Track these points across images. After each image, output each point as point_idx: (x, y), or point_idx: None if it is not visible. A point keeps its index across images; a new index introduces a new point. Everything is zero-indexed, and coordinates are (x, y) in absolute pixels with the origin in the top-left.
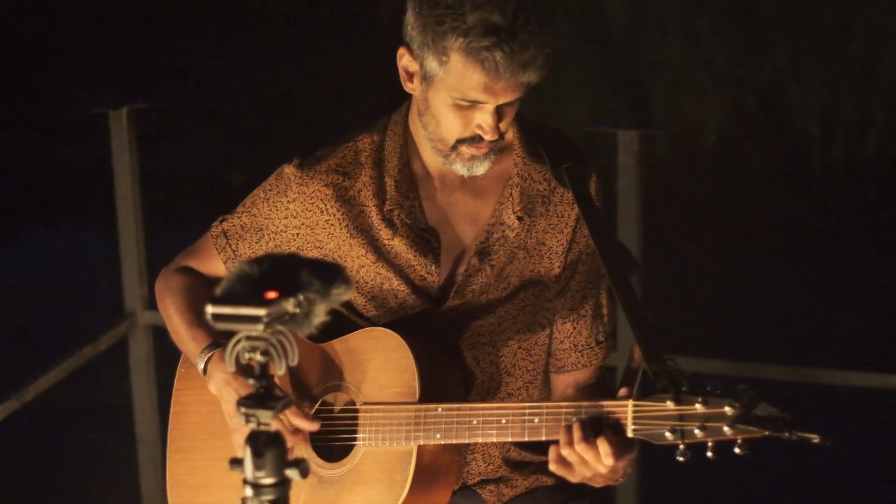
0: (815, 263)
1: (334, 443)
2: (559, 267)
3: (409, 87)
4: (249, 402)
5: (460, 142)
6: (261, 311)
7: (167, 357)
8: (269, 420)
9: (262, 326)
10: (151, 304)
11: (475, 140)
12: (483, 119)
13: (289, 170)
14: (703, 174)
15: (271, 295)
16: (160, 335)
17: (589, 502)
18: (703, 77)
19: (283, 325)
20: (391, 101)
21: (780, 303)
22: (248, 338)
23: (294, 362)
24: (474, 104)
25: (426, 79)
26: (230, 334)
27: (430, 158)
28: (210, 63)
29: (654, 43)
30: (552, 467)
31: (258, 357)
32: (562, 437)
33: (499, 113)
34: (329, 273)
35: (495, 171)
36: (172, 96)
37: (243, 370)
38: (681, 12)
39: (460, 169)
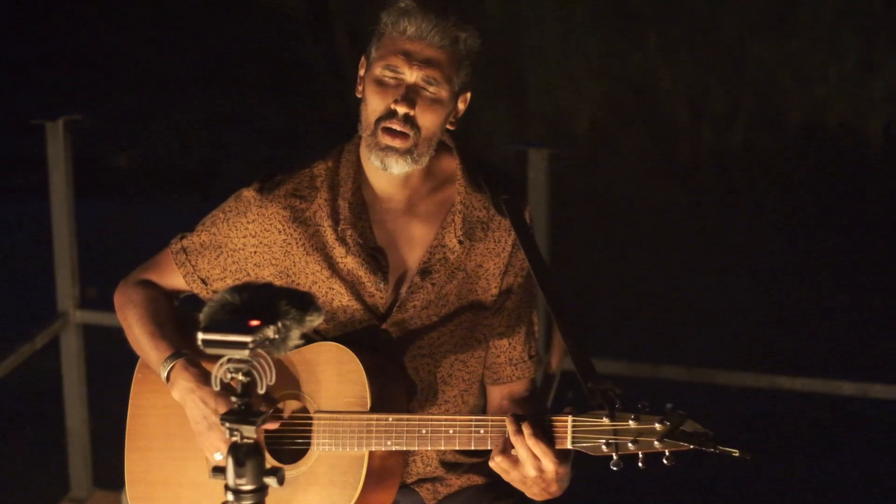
0: (685, 251)
1: (289, 447)
2: (496, 287)
3: (358, 90)
4: (233, 418)
5: (378, 122)
6: (247, 338)
7: (96, 353)
8: (252, 434)
9: (247, 351)
10: (83, 304)
11: (391, 116)
12: (398, 92)
13: (249, 193)
14: (575, 161)
15: (255, 322)
16: (90, 334)
17: (516, 500)
18: (577, 66)
19: (263, 348)
20: (266, 85)
21: (650, 296)
22: (231, 360)
23: (272, 381)
24: (395, 77)
25: (368, 68)
26: (192, 345)
27: (379, 184)
28: (91, 45)
29: (530, 32)
30: (497, 459)
31: (240, 377)
32: (511, 427)
33: (414, 95)
34: (304, 302)
35: (440, 198)
36: (55, 79)
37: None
38: (557, 2)
39: (376, 161)
